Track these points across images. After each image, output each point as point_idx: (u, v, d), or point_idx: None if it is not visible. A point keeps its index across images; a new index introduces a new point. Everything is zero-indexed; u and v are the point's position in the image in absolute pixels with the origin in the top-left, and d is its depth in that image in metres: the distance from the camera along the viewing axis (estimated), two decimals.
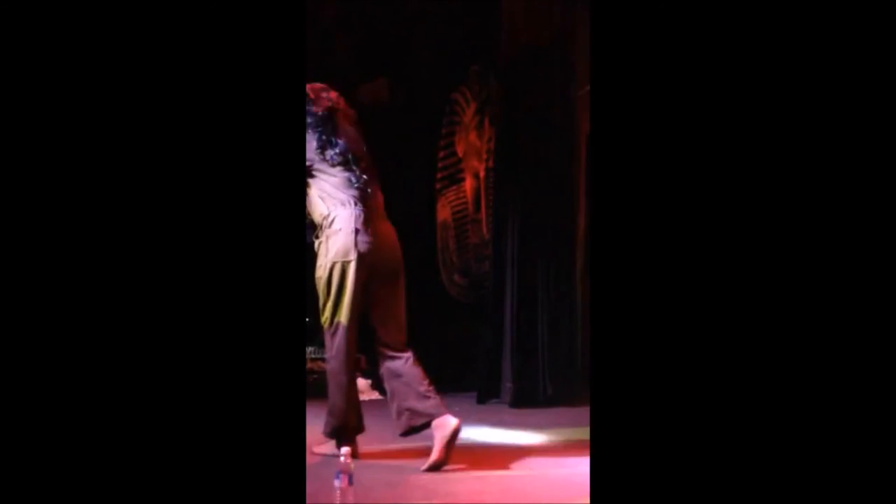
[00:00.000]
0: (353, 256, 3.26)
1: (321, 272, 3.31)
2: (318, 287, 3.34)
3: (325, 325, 3.32)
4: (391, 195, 3.59)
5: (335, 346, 3.28)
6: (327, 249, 3.29)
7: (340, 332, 3.27)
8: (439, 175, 6.85)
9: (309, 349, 6.42)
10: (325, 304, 3.31)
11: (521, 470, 2.91)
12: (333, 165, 3.39)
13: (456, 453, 3.23)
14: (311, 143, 3.40)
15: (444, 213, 6.81)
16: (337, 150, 3.41)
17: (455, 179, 6.68)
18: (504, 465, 3.01)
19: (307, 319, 6.54)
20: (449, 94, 6.74)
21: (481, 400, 5.45)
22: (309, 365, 6.35)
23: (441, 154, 6.84)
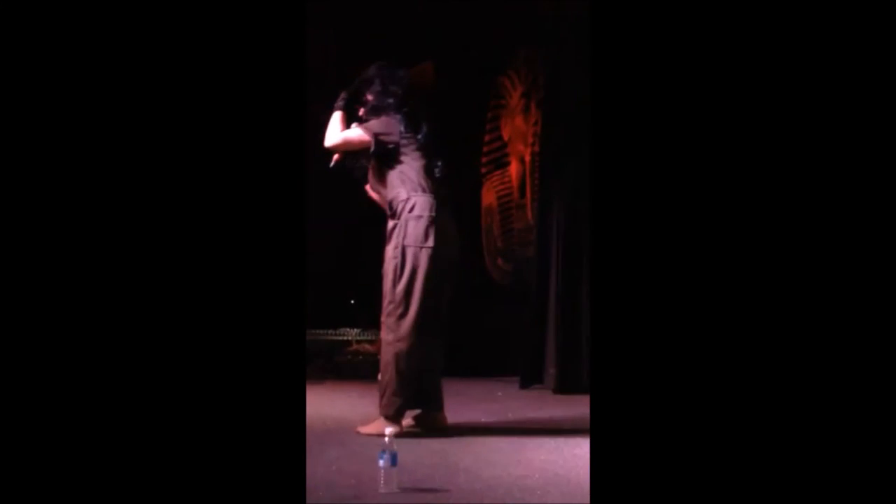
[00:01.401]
0: (430, 243, 3.25)
1: (395, 253, 3.28)
2: (387, 268, 3.32)
3: (393, 308, 3.29)
4: None
5: (402, 329, 3.27)
6: (405, 233, 3.28)
7: (410, 317, 3.26)
8: (484, 159, 6.83)
9: (354, 331, 6.44)
10: (395, 287, 3.28)
11: (564, 455, 2.90)
12: (418, 149, 3.38)
13: (500, 438, 3.23)
14: (397, 124, 3.38)
15: (489, 197, 6.79)
16: (424, 132, 3.40)
17: (500, 164, 6.65)
18: (547, 450, 3.00)
19: (352, 301, 6.54)
20: (496, 77, 6.71)
21: (524, 385, 5.44)
22: (354, 346, 6.39)
23: (487, 138, 6.81)
